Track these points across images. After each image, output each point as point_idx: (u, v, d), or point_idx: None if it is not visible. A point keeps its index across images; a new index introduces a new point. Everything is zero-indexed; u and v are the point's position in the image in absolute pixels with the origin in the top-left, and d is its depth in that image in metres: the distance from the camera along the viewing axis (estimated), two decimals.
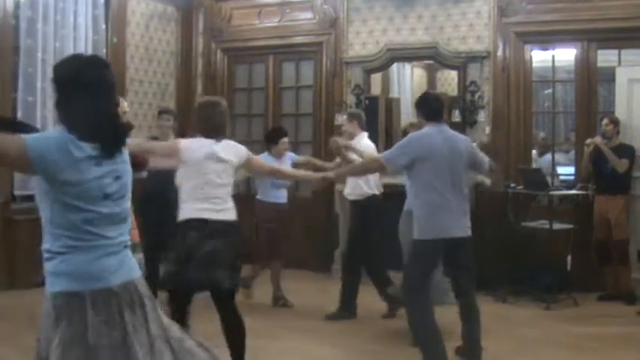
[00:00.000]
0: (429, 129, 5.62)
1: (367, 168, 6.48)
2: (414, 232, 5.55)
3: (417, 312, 5.58)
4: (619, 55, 8.95)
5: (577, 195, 8.74)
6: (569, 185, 9.03)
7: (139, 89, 10.41)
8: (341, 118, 8.95)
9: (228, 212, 5.16)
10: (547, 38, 9.11)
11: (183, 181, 5.21)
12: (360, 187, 7.41)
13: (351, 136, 7.53)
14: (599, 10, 8.67)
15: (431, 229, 5.50)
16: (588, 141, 8.49)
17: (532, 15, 9.05)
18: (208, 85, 11.12)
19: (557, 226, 8.29)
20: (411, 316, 5.65)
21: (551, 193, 8.43)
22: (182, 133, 9.96)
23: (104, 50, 9.49)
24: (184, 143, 5.26)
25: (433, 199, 5.50)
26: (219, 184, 5.12)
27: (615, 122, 8.35)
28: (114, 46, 9.78)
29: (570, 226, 8.44)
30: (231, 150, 5.25)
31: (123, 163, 3.08)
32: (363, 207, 7.45)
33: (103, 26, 9.52)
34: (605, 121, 8.36)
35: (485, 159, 5.96)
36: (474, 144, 6.05)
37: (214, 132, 5.19)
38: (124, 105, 7.33)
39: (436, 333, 5.50)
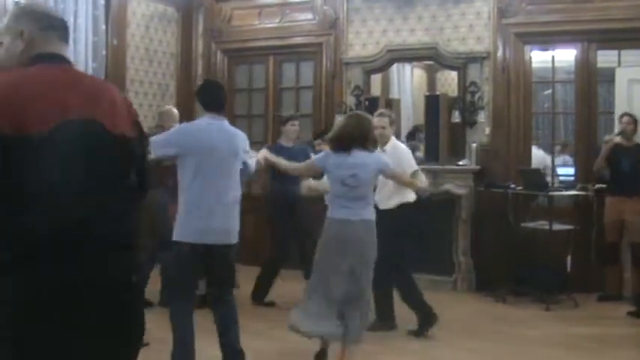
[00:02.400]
0: (205, 119, 5.27)
1: None
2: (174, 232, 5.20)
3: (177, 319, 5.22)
4: (619, 55, 8.94)
5: (577, 196, 8.73)
6: (568, 186, 9.02)
7: (139, 90, 10.42)
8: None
9: None
10: (547, 39, 9.11)
11: None
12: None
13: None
14: (599, 11, 8.67)
15: (190, 232, 5.13)
16: (606, 138, 8.45)
17: (532, 16, 9.05)
18: None
19: (556, 226, 8.29)
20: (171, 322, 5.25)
21: (551, 193, 8.43)
22: None
23: (104, 52, 9.50)
24: None
25: (194, 198, 5.13)
26: None
27: (636, 121, 8.20)
28: (114, 48, 9.79)
29: (570, 226, 8.44)
30: None
31: None
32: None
33: (103, 27, 9.52)
34: (627, 119, 8.18)
35: (251, 164, 5.58)
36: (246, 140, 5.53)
37: None
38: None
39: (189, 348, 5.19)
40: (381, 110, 7.55)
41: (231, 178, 5.23)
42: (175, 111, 8.07)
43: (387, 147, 6.77)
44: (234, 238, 5.27)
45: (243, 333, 5.48)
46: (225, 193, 5.16)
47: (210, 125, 5.23)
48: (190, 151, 5.12)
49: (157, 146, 5.12)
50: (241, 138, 5.41)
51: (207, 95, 5.34)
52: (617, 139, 8.22)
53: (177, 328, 5.18)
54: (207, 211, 5.10)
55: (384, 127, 6.80)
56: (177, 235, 5.17)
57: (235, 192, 5.26)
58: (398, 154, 6.73)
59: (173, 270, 5.35)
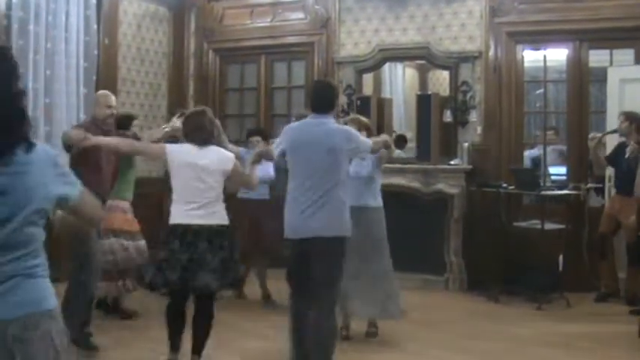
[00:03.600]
0: (305, 120, 5.49)
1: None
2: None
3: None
4: (611, 55, 8.96)
5: (569, 195, 8.72)
6: (560, 185, 9.02)
7: (131, 89, 10.39)
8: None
9: (214, 216, 5.37)
10: (539, 38, 9.12)
11: (172, 184, 5.48)
12: None
13: None
14: (591, 10, 8.68)
15: (286, 228, 5.33)
16: (590, 136, 8.46)
17: (524, 15, 9.06)
18: (200, 86, 11.11)
19: (548, 226, 8.29)
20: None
21: (543, 193, 8.43)
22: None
23: (96, 51, 9.46)
24: (169, 147, 5.53)
25: (292, 194, 5.29)
26: (203, 189, 5.34)
27: (632, 119, 8.03)
28: (106, 47, 9.75)
29: (562, 226, 8.44)
30: (215, 156, 5.50)
31: (15, 175, 2.58)
32: None
33: (95, 27, 9.48)
34: (621, 117, 8.09)
35: (365, 145, 5.58)
36: (351, 131, 5.57)
37: (199, 138, 5.47)
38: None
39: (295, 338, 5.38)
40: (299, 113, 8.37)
41: (327, 174, 5.19)
42: (104, 96, 6.82)
43: None
44: (327, 231, 5.18)
45: (235, 332, 5.50)
46: (318, 188, 5.15)
47: (306, 124, 5.39)
48: (288, 149, 5.32)
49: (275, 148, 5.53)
50: (342, 135, 5.36)
51: (310, 96, 5.53)
52: (609, 138, 8.22)
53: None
54: (298, 207, 5.18)
55: None
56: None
57: (333, 188, 5.19)
58: None
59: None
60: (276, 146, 5.52)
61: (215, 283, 5.28)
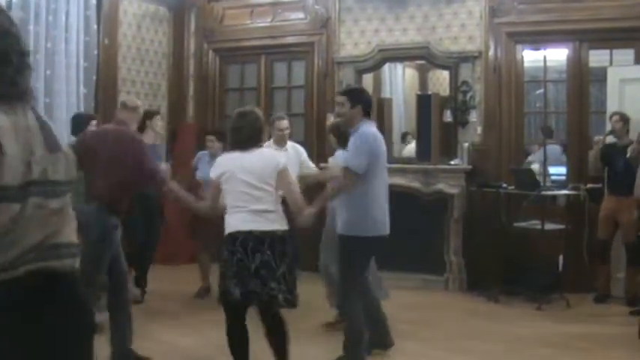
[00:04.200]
0: (371, 125, 5.55)
1: (345, 187, 5.57)
2: (350, 228, 5.48)
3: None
4: (610, 55, 8.96)
5: (568, 195, 8.73)
6: (560, 185, 9.02)
7: (131, 90, 10.39)
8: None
9: (273, 222, 5.00)
10: (539, 38, 9.12)
11: (225, 195, 5.13)
12: None
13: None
14: (591, 11, 8.68)
15: (374, 226, 5.49)
16: (596, 139, 8.47)
17: (524, 15, 9.06)
18: (200, 86, 11.12)
19: (548, 226, 8.29)
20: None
21: (543, 193, 8.43)
22: (173, 134, 10.00)
23: (96, 51, 9.48)
24: (214, 175, 5.16)
25: (379, 193, 5.54)
26: (253, 194, 4.98)
27: (625, 119, 8.11)
28: (106, 47, 9.77)
29: (562, 226, 8.44)
30: (259, 157, 5.12)
31: None
32: None
33: (95, 27, 9.51)
34: (615, 117, 8.12)
35: None
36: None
37: (242, 142, 5.15)
38: (158, 122, 7.12)
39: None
40: (279, 114, 8.40)
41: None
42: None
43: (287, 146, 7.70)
44: None
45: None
46: (386, 190, 5.62)
47: (374, 129, 5.55)
48: (376, 155, 5.43)
49: (355, 160, 5.37)
50: None
51: (369, 102, 5.56)
52: (608, 139, 8.23)
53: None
54: (382, 208, 5.54)
55: (287, 129, 7.78)
56: (362, 231, 5.43)
57: None
58: (299, 151, 7.38)
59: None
60: (364, 157, 5.35)
61: (282, 294, 4.96)
